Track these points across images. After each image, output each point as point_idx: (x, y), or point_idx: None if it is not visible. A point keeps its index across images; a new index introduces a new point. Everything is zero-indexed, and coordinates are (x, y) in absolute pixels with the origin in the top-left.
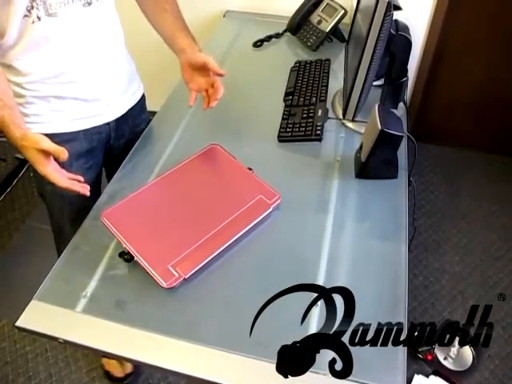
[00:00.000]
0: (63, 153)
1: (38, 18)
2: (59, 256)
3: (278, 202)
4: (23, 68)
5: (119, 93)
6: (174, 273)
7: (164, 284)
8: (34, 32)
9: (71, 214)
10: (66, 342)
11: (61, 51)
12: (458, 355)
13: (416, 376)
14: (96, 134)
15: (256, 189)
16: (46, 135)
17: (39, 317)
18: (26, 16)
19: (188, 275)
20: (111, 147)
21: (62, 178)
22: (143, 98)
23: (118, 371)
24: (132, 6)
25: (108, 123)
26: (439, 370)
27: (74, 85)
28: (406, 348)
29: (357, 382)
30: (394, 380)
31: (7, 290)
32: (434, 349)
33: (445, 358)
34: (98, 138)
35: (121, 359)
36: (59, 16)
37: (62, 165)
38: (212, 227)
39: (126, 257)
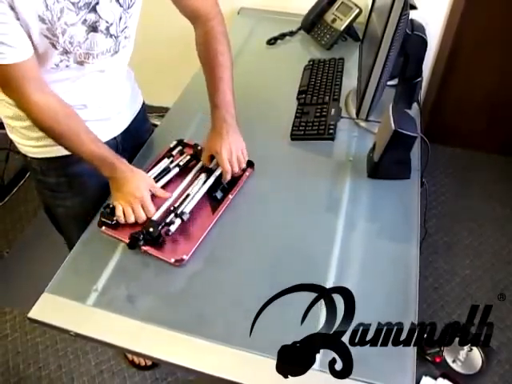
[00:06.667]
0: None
1: (67, 67)
2: (70, 249)
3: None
4: None
5: (125, 106)
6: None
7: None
8: (58, 75)
9: (83, 228)
10: (77, 335)
11: (79, 87)
12: (466, 358)
13: (424, 378)
14: None
15: None
16: (56, 158)
17: (51, 309)
18: (52, 68)
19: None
20: None
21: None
22: (144, 106)
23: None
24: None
25: (115, 137)
26: (447, 373)
27: (85, 109)
28: (415, 349)
29: (365, 382)
30: (403, 381)
31: (19, 282)
32: (442, 351)
33: (453, 361)
34: None
35: (130, 353)
36: (88, 64)
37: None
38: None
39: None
